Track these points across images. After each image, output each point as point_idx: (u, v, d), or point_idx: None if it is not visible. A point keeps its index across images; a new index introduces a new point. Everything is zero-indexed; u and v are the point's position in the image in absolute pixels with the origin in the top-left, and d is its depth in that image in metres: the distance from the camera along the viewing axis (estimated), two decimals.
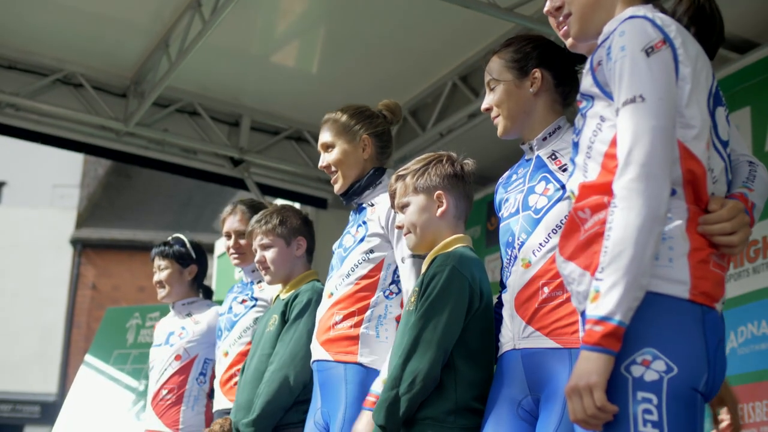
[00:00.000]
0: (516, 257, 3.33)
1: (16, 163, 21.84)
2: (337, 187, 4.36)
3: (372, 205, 4.15)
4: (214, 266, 10.91)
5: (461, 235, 3.52)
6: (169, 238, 6.17)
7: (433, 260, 3.39)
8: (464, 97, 7.54)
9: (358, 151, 4.23)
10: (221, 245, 10.36)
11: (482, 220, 8.16)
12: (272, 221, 4.64)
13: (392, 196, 3.65)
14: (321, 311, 4.09)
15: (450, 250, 3.42)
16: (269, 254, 4.59)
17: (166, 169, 8.61)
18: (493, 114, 3.62)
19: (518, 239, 3.34)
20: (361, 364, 3.84)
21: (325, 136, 4.32)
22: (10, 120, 7.85)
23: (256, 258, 4.69)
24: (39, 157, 19.87)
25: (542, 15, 6.51)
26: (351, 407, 3.74)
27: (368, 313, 3.92)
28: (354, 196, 4.30)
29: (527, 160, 3.58)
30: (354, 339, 3.90)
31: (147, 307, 7.97)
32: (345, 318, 3.94)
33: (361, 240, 4.06)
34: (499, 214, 3.51)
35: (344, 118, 4.26)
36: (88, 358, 7.57)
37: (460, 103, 7.62)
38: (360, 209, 4.25)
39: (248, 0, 6.49)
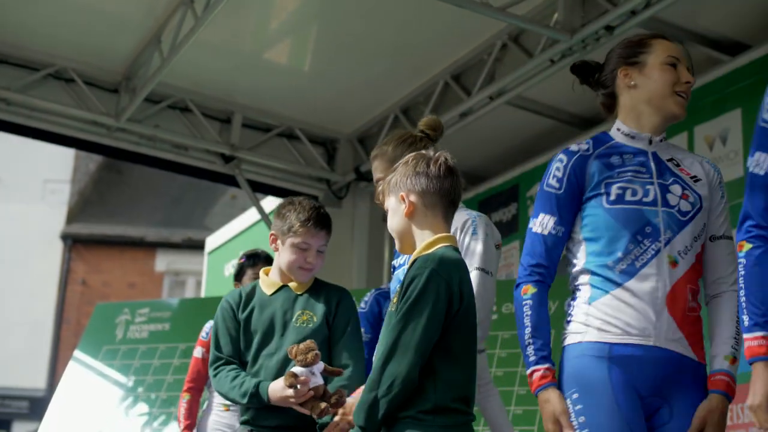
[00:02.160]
0: (660, 250, 3.38)
1: (6, 158, 21.78)
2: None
3: None
4: (205, 263, 10.92)
5: (444, 234, 3.48)
6: None
7: (414, 262, 3.37)
8: (456, 96, 7.55)
9: None
10: (212, 242, 10.38)
11: None
12: None
13: (381, 201, 3.60)
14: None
15: (431, 251, 3.36)
16: None
17: (157, 165, 8.60)
18: None
19: (664, 234, 3.40)
20: None
21: (377, 173, 4.30)
22: (1, 114, 7.83)
23: None
24: (30, 152, 19.81)
25: (534, 15, 6.59)
26: None
27: None
28: None
29: (640, 151, 3.57)
30: None
31: (136, 303, 7.94)
32: None
33: None
34: (608, 192, 3.49)
35: (389, 150, 4.24)
36: (77, 353, 7.56)
37: (451, 101, 7.63)
38: None
39: None
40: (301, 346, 3.88)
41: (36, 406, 20.02)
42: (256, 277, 4.85)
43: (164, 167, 8.65)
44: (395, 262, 4.23)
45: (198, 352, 5.68)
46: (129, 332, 7.51)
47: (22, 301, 21.04)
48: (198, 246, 15.82)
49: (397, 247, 3.52)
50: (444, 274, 3.29)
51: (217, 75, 7.93)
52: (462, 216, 4.03)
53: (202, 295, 11.14)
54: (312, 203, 4.38)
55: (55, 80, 7.80)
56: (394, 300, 3.33)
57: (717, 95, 6.60)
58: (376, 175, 4.28)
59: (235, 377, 4.14)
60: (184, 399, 5.62)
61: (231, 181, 8.76)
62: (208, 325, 5.58)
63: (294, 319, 4.24)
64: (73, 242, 21.81)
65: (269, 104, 8.38)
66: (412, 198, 3.40)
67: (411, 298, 3.23)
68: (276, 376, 4.08)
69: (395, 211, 3.44)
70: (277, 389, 3.95)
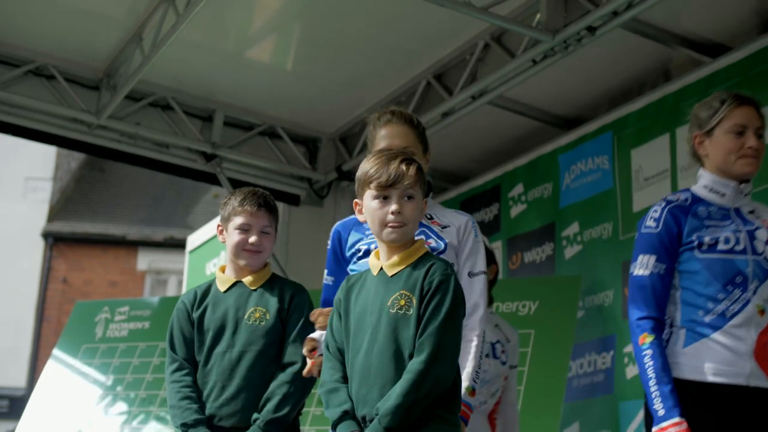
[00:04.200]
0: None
1: None
2: None
3: (431, 218, 4.00)
4: (186, 262, 10.88)
5: (421, 239, 3.51)
6: None
7: (431, 266, 3.33)
8: (438, 95, 7.55)
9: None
10: (193, 240, 10.35)
11: None
12: None
13: (398, 177, 3.37)
14: None
15: (436, 258, 3.42)
16: None
17: (137, 163, 8.55)
18: None
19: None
20: None
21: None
22: None
23: None
24: (11, 149, 19.74)
25: (516, 15, 6.59)
26: None
27: None
28: None
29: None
30: None
31: (116, 302, 7.90)
32: None
33: (444, 250, 3.89)
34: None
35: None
36: (56, 352, 7.52)
37: (433, 101, 7.62)
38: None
39: None
40: (325, 310, 3.86)
41: (16, 405, 19.92)
42: None
43: (145, 165, 8.61)
44: (361, 245, 3.92)
45: None
46: (108, 331, 7.48)
47: (2, 299, 20.94)
48: (180, 245, 15.76)
49: (399, 236, 3.39)
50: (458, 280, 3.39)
51: (199, 73, 7.91)
52: (459, 216, 4.00)
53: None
54: (252, 188, 4.44)
55: (36, 77, 7.75)
56: (402, 302, 3.30)
57: (698, 97, 6.59)
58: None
59: (183, 399, 4.16)
60: None
61: (212, 179, 8.72)
62: None
63: (246, 317, 4.23)
64: (54, 240, 21.71)
65: (251, 103, 8.37)
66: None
67: (448, 303, 3.27)
68: (228, 376, 4.14)
69: (420, 207, 3.44)
70: None
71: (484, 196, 8.32)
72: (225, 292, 4.33)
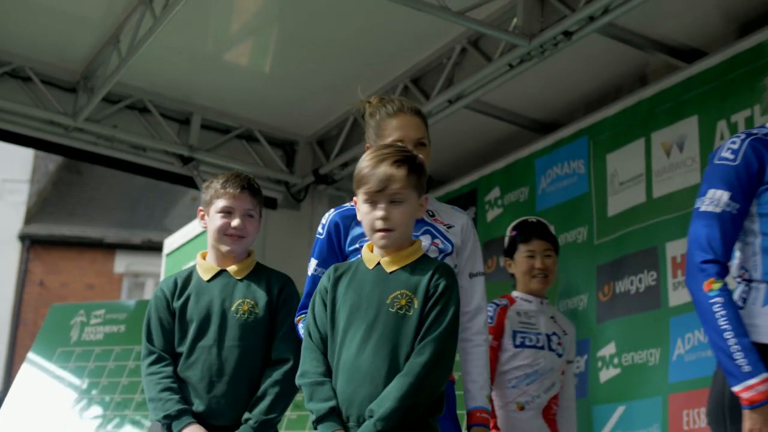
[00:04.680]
0: None
1: None
2: None
3: (433, 215, 3.84)
4: (163, 265, 10.86)
5: (419, 240, 3.47)
6: None
7: (436, 269, 3.28)
8: (415, 99, 7.55)
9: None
10: (170, 243, 10.32)
11: None
12: None
13: (386, 181, 3.31)
14: None
15: (439, 261, 3.39)
16: None
17: (114, 166, 8.52)
18: None
19: None
20: (454, 382, 3.75)
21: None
22: None
23: None
24: None
25: (493, 19, 6.61)
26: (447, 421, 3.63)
27: None
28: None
29: None
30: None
31: (92, 305, 7.86)
32: None
33: (451, 252, 3.76)
34: None
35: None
36: (30, 355, 7.48)
37: None
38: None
39: None
40: None
41: None
42: (530, 255, 4.89)
43: (122, 168, 8.58)
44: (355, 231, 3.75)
45: None
46: (84, 334, 7.44)
47: None
48: (158, 248, 15.71)
49: (389, 242, 3.33)
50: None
51: (177, 76, 7.90)
52: (459, 214, 3.90)
53: None
54: (235, 171, 4.29)
55: (12, 79, 7.73)
56: (402, 302, 3.24)
57: (674, 102, 6.64)
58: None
59: (163, 390, 3.95)
60: None
61: (189, 182, 8.71)
62: None
63: (234, 309, 4.04)
64: (31, 243, 21.61)
65: (228, 105, 8.36)
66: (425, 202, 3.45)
67: (453, 309, 3.24)
68: (216, 370, 3.96)
69: (414, 209, 3.36)
70: None
71: (460, 199, 8.33)
72: (209, 281, 4.12)
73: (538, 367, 5.00)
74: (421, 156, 3.50)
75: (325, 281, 3.42)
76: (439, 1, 6.15)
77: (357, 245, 3.66)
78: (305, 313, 3.58)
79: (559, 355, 5.15)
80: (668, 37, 6.86)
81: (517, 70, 6.79)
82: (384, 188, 3.30)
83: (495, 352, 4.87)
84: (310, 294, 3.71)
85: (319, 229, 3.84)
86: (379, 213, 3.30)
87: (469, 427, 3.62)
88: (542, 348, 5.06)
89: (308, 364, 3.32)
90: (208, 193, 4.18)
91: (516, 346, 5.01)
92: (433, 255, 3.59)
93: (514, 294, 5.21)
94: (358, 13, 6.85)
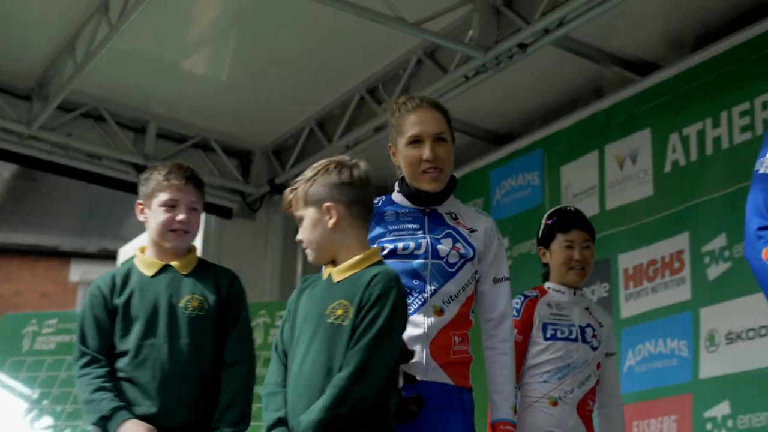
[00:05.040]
0: None
1: None
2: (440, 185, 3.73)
3: (456, 218, 3.74)
4: None
5: (376, 248, 3.42)
6: None
7: (374, 277, 3.22)
8: (371, 110, 7.58)
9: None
10: (125, 252, 10.27)
11: None
12: None
13: (289, 210, 3.42)
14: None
15: (383, 268, 3.30)
16: None
17: (69, 175, 8.46)
18: None
19: None
20: (471, 389, 3.64)
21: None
22: None
23: None
24: None
25: (449, 31, 6.64)
26: None
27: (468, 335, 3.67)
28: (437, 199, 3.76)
29: None
30: (468, 363, 3.63)
31: (44, 314, 7.81)
32: (463, 341, 3.62)
33: (473, 257, 3.65)
34: None
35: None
36: None
37: (366, 116, 7.66)
38: (437, 216, 3.72)
39: (158, 6, 6.43)
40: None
41: None
42: (569, 246, 4.59)
43: (77, 177, 8.52)
44: (385, 242, 3.65)
45: None
46: (36, 343, 7.38)
47: None
48: (113, 256, 15.62)
49: (312, 258, 3.38)
50: (404, 294, 3.28)
51: (133, 84, 7.86)
52: (483, 218, 3.80)
53: None
54: (177, 162, 4.07)
55: None
56: (339, 312, 3.22)
57: (628, 115, 6.69)
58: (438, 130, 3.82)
59: (95, 390, 3.74)
60: None
61: None
62: None
63: (183, 305, 3.85)
64: None
65: (185, 114, 8.33)
66: (339, 209, 3.33)
67: (383, 319, 3.17)
68: (168, 369, 3.77)
69: (316, 221, 3.33)
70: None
71: None
72: (153, 277, 3.90)
73: (571, 360, 4.62)
74: (362, 164, 3.45)
75: (293, 294, 3.43)
76: (396, 12, 6.18)
77: (375, 245, 3.54)
78: None
79: (594, 348, 4.75)
80: (623, 51, 6.92)
81: (472, 82, 6.83)
82: (288, 208, 3.39)
83: (521, 348, 4.53)
84: None
85: None
86: (298, 236, 3.38)
87: None
88: (575, 340, 4.69)
89: (269, 374, 3.33)
90: (149, 185, 3.95)
91: (547, 339, 4.63)
92: (453, 260, 3.56)
93: (547, 285, 4.84)
94: (315, 23, 6.85)
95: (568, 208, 4.92)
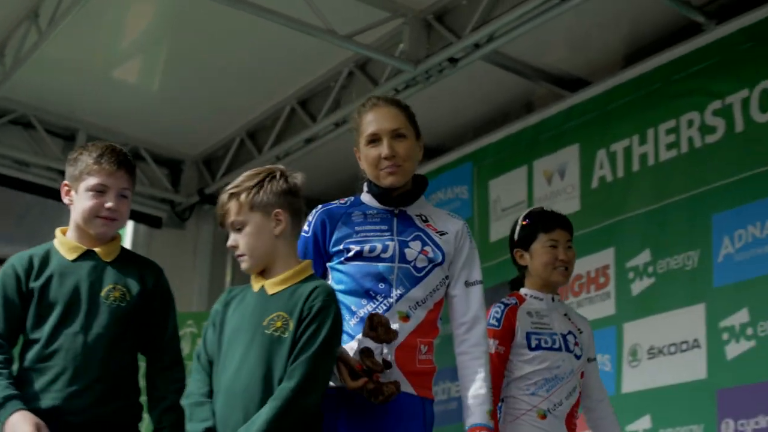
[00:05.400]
0: None
1: None
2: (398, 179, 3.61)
3: (426, 220, 3.62)
4: None
5: (308, 261, 3.38)
6: None
7: (313, 290, 3.20)
8: (301, 121, 7.59)
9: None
10: None
11: None
12: None
13: (224, 216, 3.32)
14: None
15: (320, 281, 3.28)
16: None
17: None
18: None
19: None
20: (433, 401, 3.56)
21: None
22: None
23: None
24: None
25: (380, 44, 6.67)
26: None
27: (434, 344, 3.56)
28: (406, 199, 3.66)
29: None
30: (432, 374, 3.56)
31: None
32: (429, 350, 3.53)
33: (442, 262, 3.54)
34: None
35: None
36: None
37: (297, 127, 7.67)
38: (407, 217, 3.62)
39: (89, 14, 6.39)
40: (383, 319, 3.38)
41: None
42: (553, 246, 4.33)
43: (4, 184, 8.43)
44: (350, 243, 3.53)
45: None
46: None
47: None
48: None
49: (247, 266, 3.29)
50: (340, 309, 3.26)
51: (63, 91, 7.80)
52: (454, 220, 3.66)
53: None
54: (109, 143, 3.74)
55: None
56: (278, 324, 3.18)
57: (556, 130, 6.75)
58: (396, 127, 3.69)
59: None
60: None
61: None
62: None
63: (104, 294, 3.59)
64: None
65: (115, 123, 8.27)
66: (286, 216, 3.28)
67: (326, 331, 3.15)
68: (83, 362, 3.51)
69: (261, 228, 3.27)
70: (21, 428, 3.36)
71: None
72: (74, 261, 3.65)
73: (558, 371, 4.39)
74: (299, 174, 3.39)
75: (217, 304, 3.36)
76: (327, 24, 6.20)
77: (341, 246, 3.48)
78: None
79: (578, 357, 4.55)
80: (553, 66, 6.98)
81: (402, 95, 6.82)
82: (223, 221, 3.31)
83: (503, 359, 4.33)
84: None
85: (305, 227, 3.53)
86: (230, 242, 3.30)
87: None
88: (559, 349, 4.46)
89: (192, 384, 3.28)
90: (77, 166, 3.65)
91: (532, 349, 4.38)
92: (421, 264, 3.48)
93: (523, 291, 4.55)
94: (247, 34, 6.85)
95: (545, 209, 4.65)
